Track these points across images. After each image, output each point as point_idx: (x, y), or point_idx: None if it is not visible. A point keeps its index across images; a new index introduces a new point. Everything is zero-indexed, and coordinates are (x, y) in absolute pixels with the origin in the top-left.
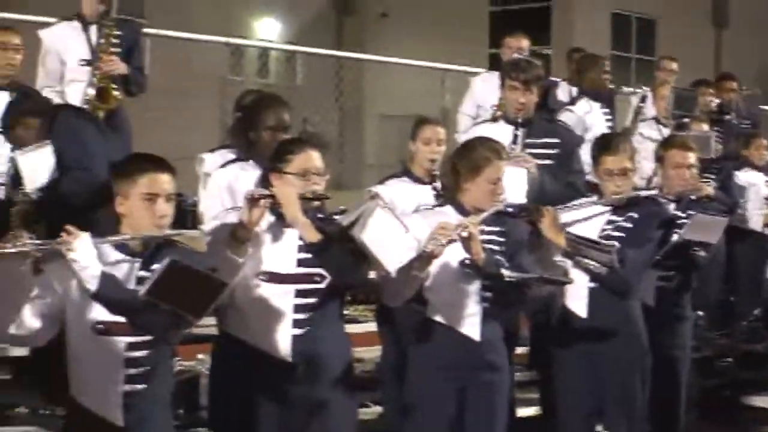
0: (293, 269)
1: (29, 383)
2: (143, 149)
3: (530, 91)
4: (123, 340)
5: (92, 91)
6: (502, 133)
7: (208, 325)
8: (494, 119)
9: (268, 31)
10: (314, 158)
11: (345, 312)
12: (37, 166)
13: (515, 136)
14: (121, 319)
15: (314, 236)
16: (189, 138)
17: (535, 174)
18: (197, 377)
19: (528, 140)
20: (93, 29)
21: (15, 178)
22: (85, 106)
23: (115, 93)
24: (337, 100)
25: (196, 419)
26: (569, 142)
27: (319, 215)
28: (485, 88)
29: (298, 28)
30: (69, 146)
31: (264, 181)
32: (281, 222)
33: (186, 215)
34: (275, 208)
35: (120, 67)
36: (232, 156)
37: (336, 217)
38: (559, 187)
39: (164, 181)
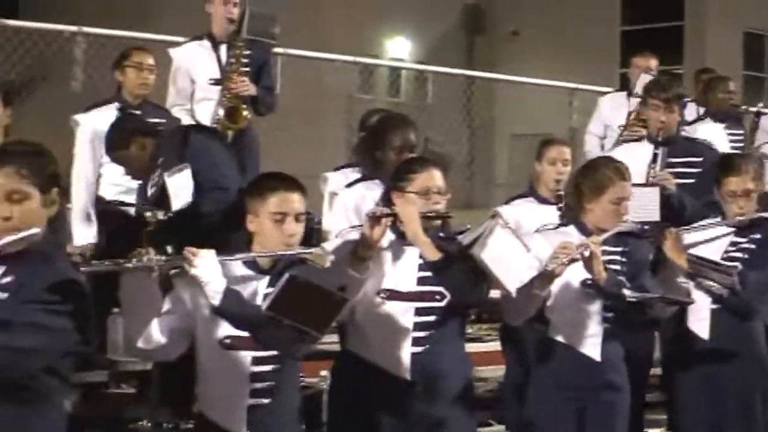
0: (413, 287)
1: (154, 397)
2: (273, 168)
3: (671, 109)
4: (249, 355)
5: (222, 111)
6: (643, 152)
7: (331, 342)
8: (638, 139)
9: (399, 50)
10: (436, 177)
11: (469, 331)
12: (181, 186)
13: (655, 155)
14: (248, 334)
15: (434, 255)
16: (317, 157)
17: (675, 193)
18: (320, 394)
19: (669, 159)
20: (223, 49)
21: (160, 198)
22: (214, 126)
23: (245, 113)
24: (466, 120)
25: None
26: (711, 160)
27: (441, 234)
28: (613, 108)
29: (429, 48)
30: (204, 167)
31: (386, 200)
32: (402, 240)
33: (313, 233)
34: (396, 227)
35: (249, 89)
36: (357, 175)
37: (458, 236)
38: (699, 206)
39: (294, 200)
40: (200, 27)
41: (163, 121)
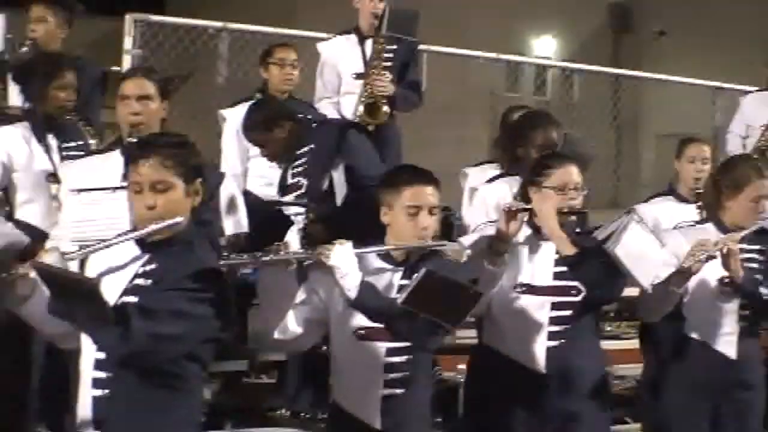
0: (549, 282)
1: (292, 388)
2: (416, 164)
3: None
4: (383, 346)
5: (361, 107)
6: None
7: (468, 336)
8: None
9: (545, 48)
10: (573, 173)
11: (608, 328)
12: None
13: None
14: (382, 325)
15: (570, 250)
16: (460, 153)
17: None
18: (457, 387)
19: None
20: (369, 43)
21: (314, 190)
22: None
23: (384, 109)
24: (612, 119)
25: (454, 428)
26: None
27: (577, 230)
28: (755, 107)
29: (576, 46)
30: (360, 162)
31: (522, 195)
32: (538, 235)
33: (452, 229)
34: (533, 221)
35: (387, 89)
36: (497, 171)
37: (593, 232)
38: None
39: (428, 194)
40: (343, 22)
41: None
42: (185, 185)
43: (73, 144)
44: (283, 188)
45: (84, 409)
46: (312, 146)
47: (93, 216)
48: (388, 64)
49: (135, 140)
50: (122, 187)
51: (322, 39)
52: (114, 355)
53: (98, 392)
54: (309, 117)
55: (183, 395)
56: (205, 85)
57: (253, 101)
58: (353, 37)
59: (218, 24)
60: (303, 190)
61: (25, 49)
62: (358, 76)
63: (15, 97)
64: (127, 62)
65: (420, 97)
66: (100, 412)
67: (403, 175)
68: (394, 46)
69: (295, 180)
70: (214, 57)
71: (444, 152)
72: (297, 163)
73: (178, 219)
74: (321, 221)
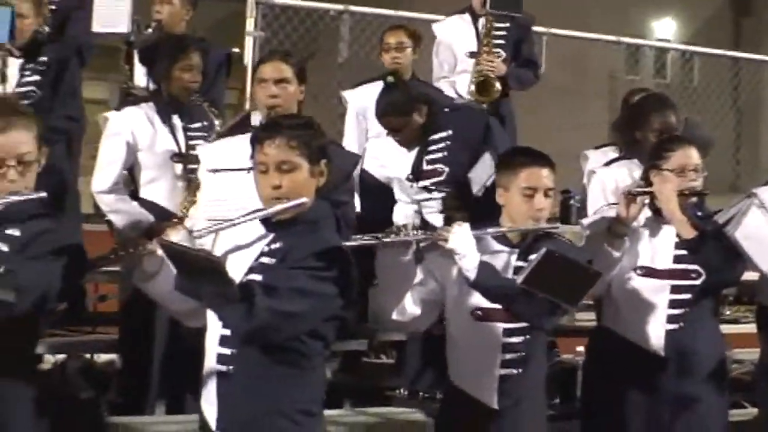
0: (669, 265)
1: (411, 368)
2: (534, 146)
3: None
4: (500, 326)
5: (473, 86)
6: None
7: (587, 319)
8: None
9: (665, 30)
10: (692, 155)
11: (726, 312)
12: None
13: None
14: (499, 306)
15: (690, 233)
16: (579, 136)
17: None
18: (575, 369)
19: None
20: (482, 22)
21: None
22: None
23: (496, 86)
24: (734, 103)
25: (571, 409)
26: None
27: (698, 213)
28: None
29: (695, 28)
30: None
31: (644, 178)
32: (659, 218)
33: (570, 210)
34: (654, 204)
35: (497, 68)
36: (615, 154)
37: (714, 215)
38: None
39: (543, 176)
40: (461, 3)
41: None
42: (310, 166)
43: (198, 125)
44: (417, 174)
45: (208, 384)
46: (450, 132)
47: (226, 196)
48: (500, 42)
49: None
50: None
51: (437, 20)
52: (238, 331)
53: (223, 368)
54: (440, 101)
55: (306, 372)
56: (326, 67)
57: (384, 84)
58: (467, 17)
59: (340, 7)
60: (442, 177)
61: (149, 30)
62: (472, 54)
63: (141, 78)
64: (249, 44)
65: (536, 75)
66: (223, 387)
67: (519, 156)
68: (506, 24)
69: (433, 167)
70: (335, 39)
71: (563, 135)
72: (432, 148)
73: (303, 199)
74: (458, 209)
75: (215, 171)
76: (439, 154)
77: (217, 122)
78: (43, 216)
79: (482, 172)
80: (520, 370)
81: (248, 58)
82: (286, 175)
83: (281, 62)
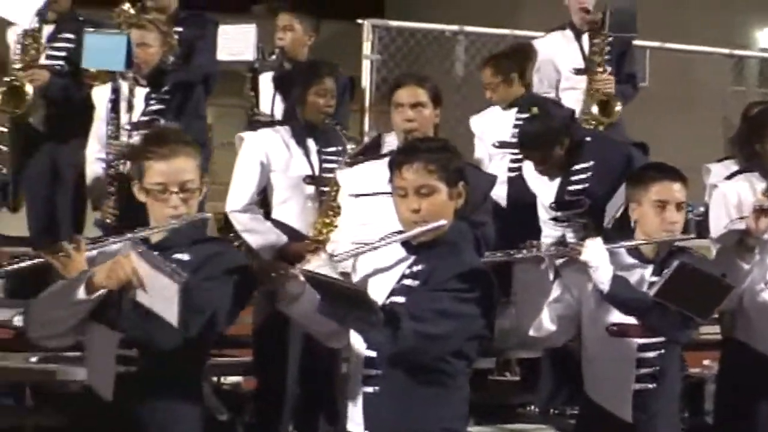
0: None
1: (545, 385)
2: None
3: None
4: (636, 341)
5: (595, 108)
6: None
7: (712, 332)
8: None
9: None
10: None
11: None
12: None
13: None
14: (634, 320)
15: None
16: (692, 148)
17: None
18: (703, 382)
19: None
20: (585, 38)
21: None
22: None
23: (617, 107)
24: None
25: (700, 424)
26: None
27: None
28: None
29: None
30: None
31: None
32: None
33: (689, 223)
34: None
35: (611, 87)
36: (736, 167)
37: None
38: None
39: (675, 190)
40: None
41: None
42: (448, 189)
43: (332, 149)
44: (560, 204)
45: (354, 405)
46: (592, 163)
47: (369, 220)
48: (608, 57)
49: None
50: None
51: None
52: (384, 353)
53: (369, 389)
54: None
55: (451, 391)
56: (442, 88)
57: (528, 116)
58: (569, 33)
59: (455, 27)
60: (583, 209)
61: (273, 57)
62: (578, 71)
63: (266, 104)
64: (366, 67)
65: (635, 89)
66: (370, 408)
67: (651, 171)
68: (610, 39)
69: (575, 198)
70: (450, 59)
71: (672, 148)
72: (574, 179)
73: (442, 222)
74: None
75: (357, 195)
76: (581, 186)
77: (350, 146)
78: (210, 240)
79: (615, 204)
80: (655, 385)
81: (365, 81)
82: (425, 198)
83: (417, 86)
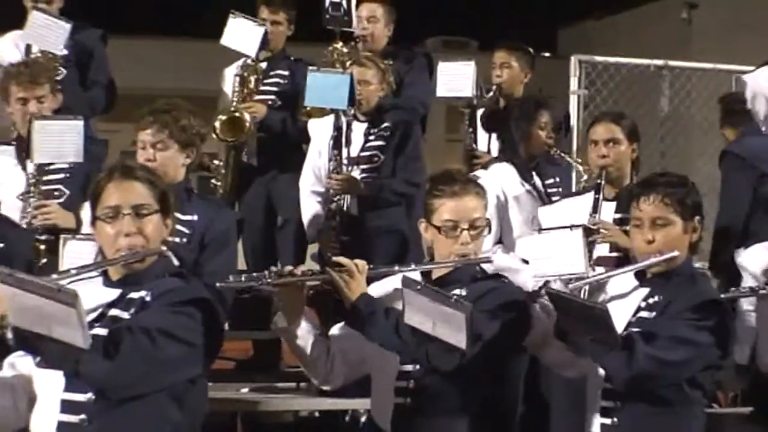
0: None
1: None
2: None
3: None
4: None
5: None
6: None
7: None
8: None
9: None
10: None
11: None
12: None
13: None
14: None
15: None
16: None
17: None
18: None
19: None
20: None
21: None
22: None
23: None
24: None
25: None
26: None
27: None
28: None
29: None
30: None
31: None
32: None
33: None
34: None
35: None
36: None
37: None
38: None
39: None
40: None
41: None
42: (683, 222)
43: (550, 181)
44: None
45: None
46: None
47: (550, 254)
48: None
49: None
50: (577, 226)
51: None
52: (619, 380)
53: (607, 420)
54: None
55: (687, 421)
56: (647, 122)
57: None
58: None
59: (659, 62)
60: None
61: (490, 94)
62: None
63: (482, 140)
64: (573, 102)
65: None
66: None
67: None
68: None
69: None
70: (656, 93)
71: None
72: None
73: (675, 253)
74: None
75: (541, 230)
76: None
77: (577, 178)
78: (487, 277)
79: None
80: None
81: (573, 116)
82: (660, 230)
83: (612, 123)
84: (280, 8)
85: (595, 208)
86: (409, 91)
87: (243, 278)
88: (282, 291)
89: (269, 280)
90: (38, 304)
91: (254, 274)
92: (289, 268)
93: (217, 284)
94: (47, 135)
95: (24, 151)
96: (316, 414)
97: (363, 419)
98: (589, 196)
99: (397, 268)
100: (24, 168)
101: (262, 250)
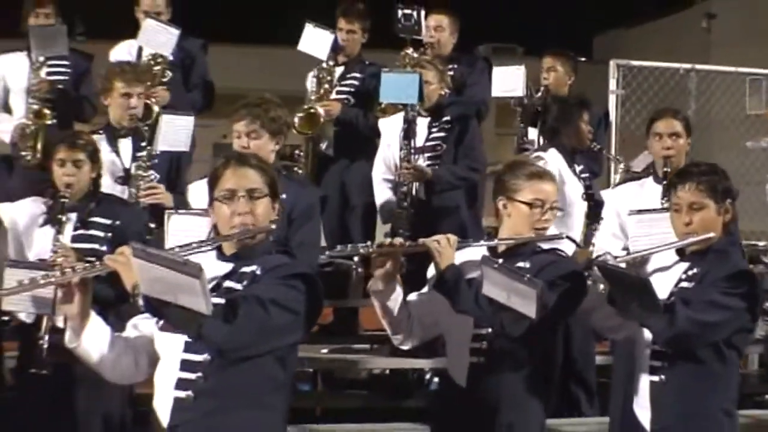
0: None
1: None
2: None
3: None
4: None
5: None
6: None
7: None
8: None
9: None
10: None
11: None
12: None
13: None
14: None
15: None
16: None
17: None
18: None
19: None
20: None
21: None
22: None
23: None
24: None
25: None
26: None
27: None
28: None
29: None
30: None
31: None
32: None
33: None
34: None
35: None
36: None
37: None
38: None
39: None
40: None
41: None
42: (716, 205)
43: (581, 167)
44: None
45: (639, 391)
46: None
47: (647, 232)
48: None
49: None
50: (665, 209)
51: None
52: (662, 339)
53: (655, 378)
54: None
55: (725, 377)
56: None
57: None
58: None
59: (687, 65)
60: None
61: (539, 94)
62: None
63: (531, 134)
64: (612, 101)
65: None
66: (656, 393)
67: None
68: None
69: None
70: (685, 94)
71: None
72: None
73: (710, 234)
74: None
75: (638, 212)
76: None
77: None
78: (545, 251)
79: None
80: None
81: (612, 114)
82: (696, 213)
83: (672, 118)
84: (355, 19)
85: (665, 195)
86: (470, 91)
87: (348, 248)
88: (382, 259)
89: (371, 250)
90: (166, 276)
91: (358, 244)
92: (388, 239)
93: (327, 252)
94: (172, 127)
95: (116, 137)
96: (387, 372)
97: (427, 377)
98: (649, 181)
99: (482, 242)
100: (117, 153)
101: (337, 228)
